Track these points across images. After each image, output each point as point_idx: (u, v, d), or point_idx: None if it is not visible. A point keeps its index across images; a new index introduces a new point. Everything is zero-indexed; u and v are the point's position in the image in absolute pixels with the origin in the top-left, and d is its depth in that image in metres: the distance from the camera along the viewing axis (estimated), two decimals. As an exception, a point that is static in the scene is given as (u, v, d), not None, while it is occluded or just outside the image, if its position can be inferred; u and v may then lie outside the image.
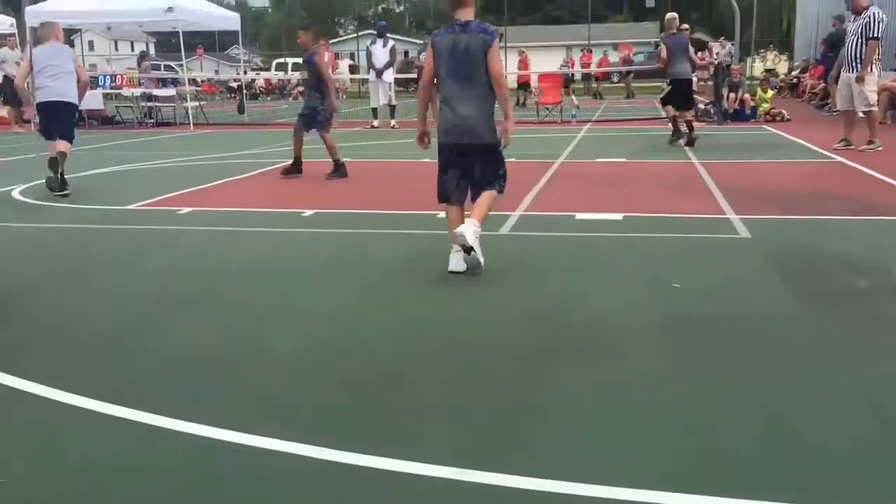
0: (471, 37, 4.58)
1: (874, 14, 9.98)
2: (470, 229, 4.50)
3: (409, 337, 3.65)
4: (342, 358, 3.40)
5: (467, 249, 4.51)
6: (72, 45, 43.20)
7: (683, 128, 11.27)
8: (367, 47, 17.60)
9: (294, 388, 3.09)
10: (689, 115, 11.60)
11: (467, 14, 4.64)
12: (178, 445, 2.62)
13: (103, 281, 4.84)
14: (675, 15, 11.71)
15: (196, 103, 19.75)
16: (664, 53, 11.31)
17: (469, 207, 4.79)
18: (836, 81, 10.91)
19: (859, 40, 9.99)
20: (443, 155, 4.87)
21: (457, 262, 4.59)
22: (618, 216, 6.25)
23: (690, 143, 11.01)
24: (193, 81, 25.26)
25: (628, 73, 29.44)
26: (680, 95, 11.31)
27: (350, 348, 3.51)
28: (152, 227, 6.43)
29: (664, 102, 11.74)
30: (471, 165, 4.78)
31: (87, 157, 11.70)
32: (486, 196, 4.76)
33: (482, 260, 4.56)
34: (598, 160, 10.09)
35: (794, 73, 26.17)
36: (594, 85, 26.41)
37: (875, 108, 10.44)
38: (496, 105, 4.75)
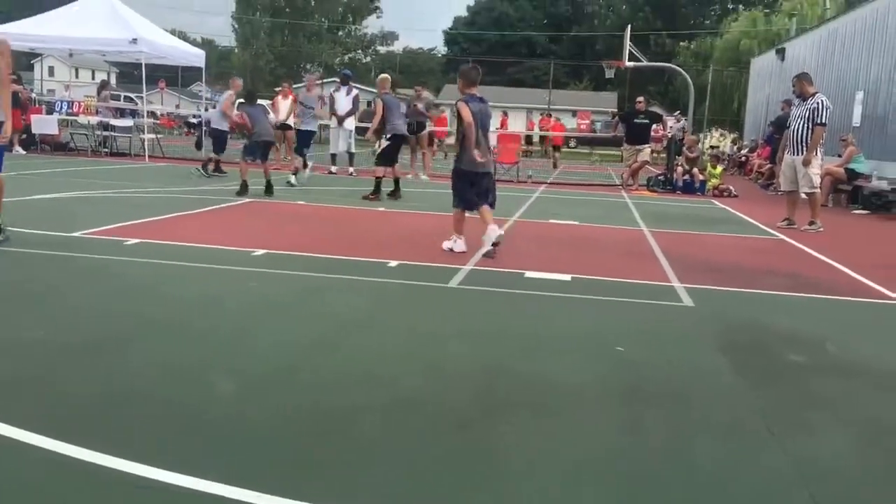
0: (486, 106, 7.33)
1: (821, 101, 10.40)
2: (497, 230, 7.14)
3: (350, 386, 3.61)
4: (281, 401, 3.36)
5: (496, 243, 7.06)
6: (31, 68, 42.64)
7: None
8: (331, 94, 17.73)
9: (229, 429, 3.03)
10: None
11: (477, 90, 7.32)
12: (95, 479, 2.55)
13: (36, 310, 4.72)
14: None
15: (153, 136, 19.61)
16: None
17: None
18: (781, 162, 11.30)
19: (805, 124, 10.38)
20: (468, 178, 7.30)
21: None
22: (566, 277, 6.33)
23: None
24: (152, 114, 25.09)
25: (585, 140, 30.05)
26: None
27: (284, 393, 3.47)
28: (96, 256, 6.31)
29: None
30: (485, 186, 7.37)
31: (36, 181, 11.50)
32: (489, 208, 7.35)
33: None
34: (550, 221, 10.24)
35: (742, 151, 27.02)
36: (555, 154, 27.00)
37: (818, 191, 10.82)
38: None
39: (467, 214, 7.44)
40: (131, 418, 3.07)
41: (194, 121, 32.35)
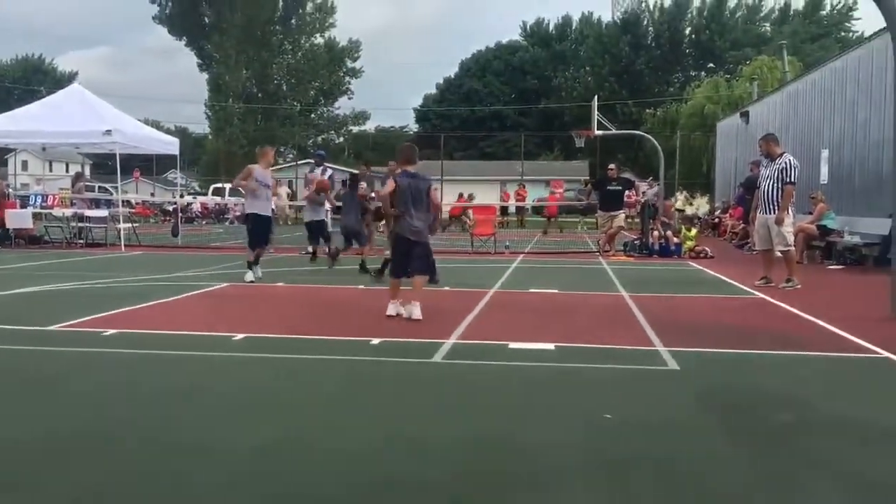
0: (418, 180, 7.79)
1: (789, 161, 10.63)
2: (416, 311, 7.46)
3: (339, 469, 3.53)
4: (261, 489, 3.27)
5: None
6: (5, 164, 42.72)
7: None
8: (306, 175, 17.88)
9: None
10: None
11: (415, 167, 7.93)
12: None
13: (12, 408, 4.61)
14: None
15: (129, 225, 19.58)
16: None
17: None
18: (754, 222, 11.46)
19: (775, 184, 10.58)
20: (402, 244, 7.74)
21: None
22: (550, 346, 6.31)
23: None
24: (128, 203, 25.13)
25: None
26: None
27: (270, 478, 3.39)
28: (74, 349, 6.21)
29: None
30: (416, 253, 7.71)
31: (11, 275, 11.39)
32: (420, 279, 7.69)
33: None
34: (530, 290, 10.25)
35: (715, 213, 27.42)
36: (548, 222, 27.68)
37: (793, 248, 10.96)
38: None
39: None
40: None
41: (170, 208, 32.42)
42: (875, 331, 7.09)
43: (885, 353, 6.13)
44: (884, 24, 8.61)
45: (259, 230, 11.22)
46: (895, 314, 7.91)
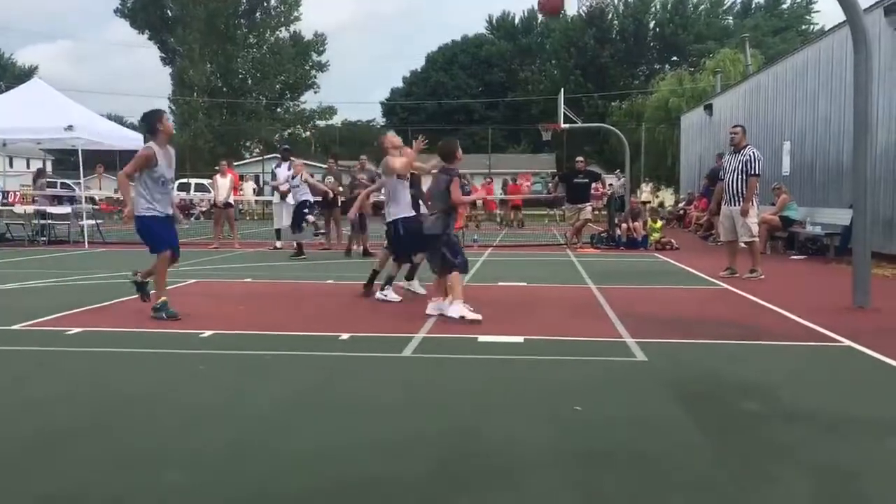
0: (440, 176, 7.71)
1: (753, 153, 10.78)
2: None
3: (307, 464, 3.52)
4: (232, 489, 3.25)
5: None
6: (-38, 159, 41.86)
7: None
8: (272, 170, 17.76)
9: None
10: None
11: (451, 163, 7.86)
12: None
13: (-21, 406, 4.53)
14: None
15: (92, 221, 19.29)
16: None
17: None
18: (718, 214, 11.60)
19: (739, 176, 10.72)
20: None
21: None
22: (519, 339, 6.34)
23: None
24: (91, 199, 24.75)
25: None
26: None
27: (240, 478, 3.36)
28: (37, 348, 6.12)
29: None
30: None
31: (-30, 274, 11.16)
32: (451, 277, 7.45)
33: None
34: (499, 283, 10.28)
35: (680, 205, 27.72)
36: (519, 215, 27.79)
37: (757, 239, 11.12)
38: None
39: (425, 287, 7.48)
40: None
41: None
42: (837, 320, 7.22)
43: (847, 342, 6.25)
44: (843, 19, 8.75)
45: (410, 240, 8.21)
46: (856, 303, 8.07)
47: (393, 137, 8.82)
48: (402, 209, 8.33)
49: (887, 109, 13.17)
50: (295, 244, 14.55)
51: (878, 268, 11.31)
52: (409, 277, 8.83)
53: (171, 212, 7.52)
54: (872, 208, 10.71)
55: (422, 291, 8.70)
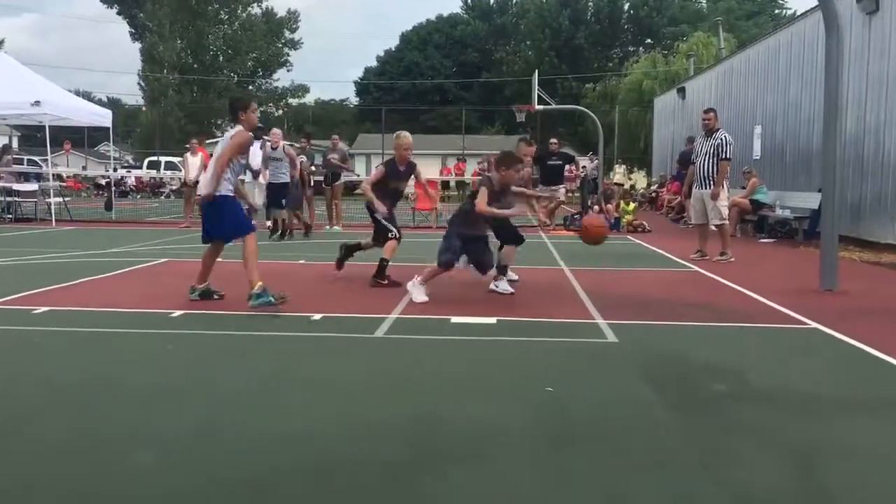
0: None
1: (725, 137, 10.86)
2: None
3: (271, 448, 3.50)
4: (197, 469, 3.22)
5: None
6: (-75, 135, 41.06)
7: None
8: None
9: (141, 502, 2.89)
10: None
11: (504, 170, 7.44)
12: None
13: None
14: None
15: (60, 199, 19.01)
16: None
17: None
18: (689, 197, 11.69)
19: (711, 160, 10.80)
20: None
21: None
22: (492, 320, 6.35)
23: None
24: (58, 177, 24.37)
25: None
26: None
27: (206, 459, 3.34)
28: (2, 327, 6.02)
29: None
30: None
31: (-67, 252, 10.96)
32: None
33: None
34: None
35: (652, 187, 27.90)
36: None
37: (727, 222, 11.23)
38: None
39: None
40: None
41: (103, 182, 31.54)
42: (804, 302, 7.32)
43: (814, 324, 6.34)
44: (814, 3, 8.79)
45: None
46: (823, 286, 8.18)
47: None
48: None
49: (857, 95, 13.32)
50: (271, 223, 14.32)
51: (846, 251, 11.48)
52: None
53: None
54: (840, 193, 10.86)
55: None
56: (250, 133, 7.00)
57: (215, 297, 7.15)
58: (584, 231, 8.53)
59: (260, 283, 6.60)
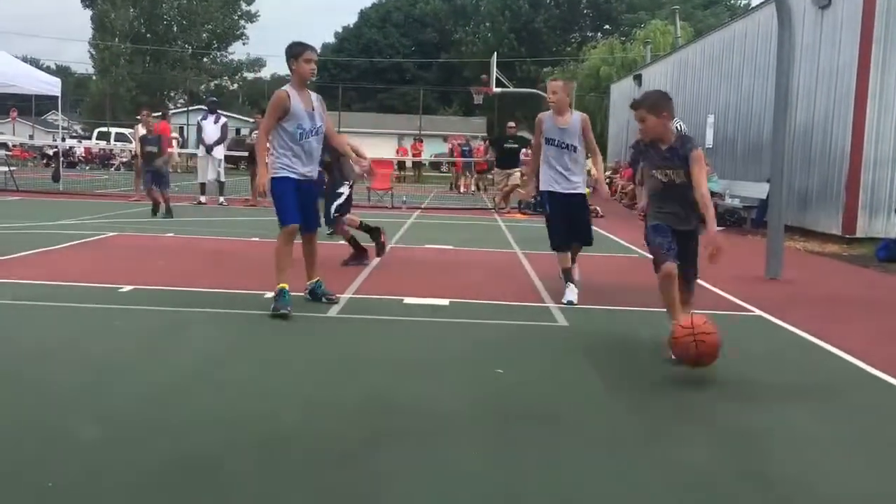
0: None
1: (679, 125, 10.99)
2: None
3: (222, 426, 3.49)
4: (147, 445, 3.21)
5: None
6: None
7: None
8: (198, 122, 17.32)
9: (90, 479, 2.87)
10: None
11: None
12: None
13: None
14: None
15: (5, 168, 18.52)
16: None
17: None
18: (642, 185, 11.84)
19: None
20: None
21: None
22: (444, 301, 6.39)
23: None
24: (3, 146, 23.70)
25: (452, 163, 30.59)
26: None
27: (156, 435, 3.32)
28: (-55, 299, 5.88)
29: None
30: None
31: None
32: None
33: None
34: (426, 246, 10.31)
35: (606, 173, 28.16)
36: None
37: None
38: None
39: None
40: (-12, 474, 2.86)
41: (51, 152, 30.77)
42: (750, 290, 7.50)
43: (758, 312, 6.51)
44: (770, -4, 8.94)
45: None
46: (769, 274, 8.38)
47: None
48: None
49: (807, 87, 13.60)
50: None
51: (792, 241, 11.76)
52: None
53: (313, 174, 5.94)
54: (788, 183, 11.10)
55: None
56: (286, 92, 5.74)
57: (324, 299, 6.11)
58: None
59: (282, 285, 5.66)
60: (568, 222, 6.88)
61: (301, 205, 5.79)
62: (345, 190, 7.98)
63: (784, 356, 5.26)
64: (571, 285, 6.70)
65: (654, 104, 5.22)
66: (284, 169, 5.74)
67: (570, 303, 6.48)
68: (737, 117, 17.07)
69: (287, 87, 5.79)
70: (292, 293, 5.71)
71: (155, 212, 12.78)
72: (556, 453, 3.26)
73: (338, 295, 6.28)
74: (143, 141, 13.81)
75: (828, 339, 5.51)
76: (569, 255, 6.88)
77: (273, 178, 5.75)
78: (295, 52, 5.74)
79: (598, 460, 3.21)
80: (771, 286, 8.03)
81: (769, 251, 8.52)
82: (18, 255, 8.08)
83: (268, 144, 5.98)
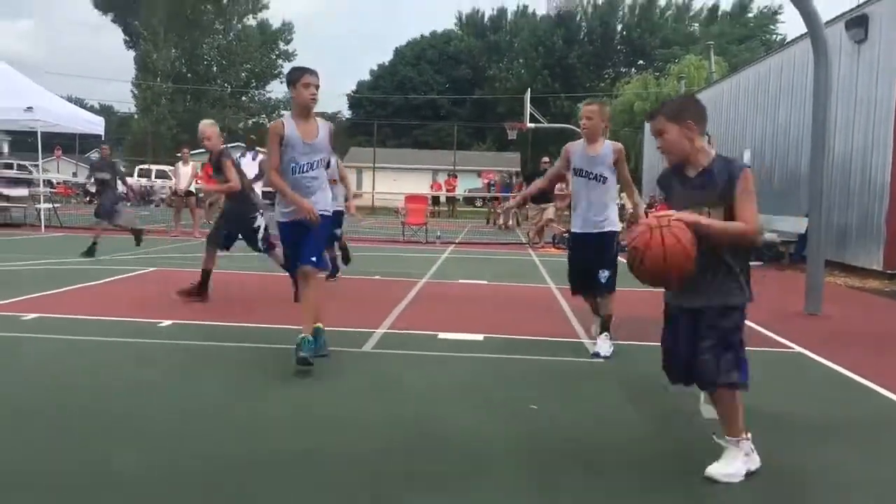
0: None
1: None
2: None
3: (261, 457, 3.53)
4: (177, 478, 3.25)
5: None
6: (-84, 137, 40.79)
7: None
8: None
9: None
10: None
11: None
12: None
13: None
14: None
15: (50, 205, 18.97)
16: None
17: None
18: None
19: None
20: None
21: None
22: (479, 337, 6.39)
23: None
24: (48, 182, 24.30)
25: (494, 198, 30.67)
26: None
27: (191, 467, 3.36)
28: (-9, 333, 6.02)
29: None
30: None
31: (-79, 255, 10.93)
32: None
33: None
34: (460, 281, 10.33)
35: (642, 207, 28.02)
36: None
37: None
38: None
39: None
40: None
41: (93, 189, 31.41)
42: (790, 326, 7.39)
43: (798, 348, 6.41)
44: (805, 30, 8.93)
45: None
46: (808, 310, 8.26)
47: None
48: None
49: (844, 120, 13.48)
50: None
51: (831, 276, 11.59)
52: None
53: (318, 206, 5.29)
54: (827, 218, 10.96)
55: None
56: (281, 121, 5.33)
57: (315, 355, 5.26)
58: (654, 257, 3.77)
59: (303, 336, 5.18)
60: (584, 266, 6.27)
61: (303, 241, 5.30)
62: (260, 221, 8.06)
63: (825, 394, 5.17)
64: (603, 336, 6.11)
65: (677, 111, 3.61)
66: (280, 213, 5.41)
67: (595, 355, 5.93)
68: (773, 151, 16.95)
69: (284, 117, 5.42)
70: (332, 328, 5.72)
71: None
72: (593, 495, 3.23)
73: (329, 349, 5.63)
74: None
75: (870, 376, 5.41)
76: (592, 301, 6.41)
77: (279, 223, 5.47)
78: (293, 77, 5.26)
79: (630, 501, 3.18)
80: (811, 322, 7.91)
81: (808, 286, 8.40)
82: (63, 289, 8.25)
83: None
